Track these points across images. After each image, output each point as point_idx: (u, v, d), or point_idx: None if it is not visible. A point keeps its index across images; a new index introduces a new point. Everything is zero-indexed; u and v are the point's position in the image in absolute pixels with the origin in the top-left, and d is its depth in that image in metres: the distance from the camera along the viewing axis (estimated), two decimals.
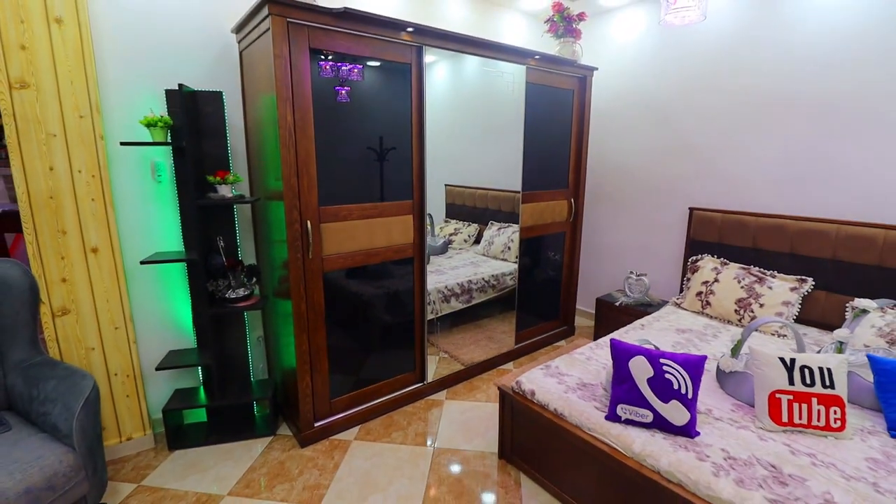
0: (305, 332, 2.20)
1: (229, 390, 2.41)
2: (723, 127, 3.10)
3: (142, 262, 2.06)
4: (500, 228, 4.05)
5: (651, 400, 1.72)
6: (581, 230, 3.62)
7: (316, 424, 2.36)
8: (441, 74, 2.36)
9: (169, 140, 2.07)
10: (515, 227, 3.84)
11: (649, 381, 1.74)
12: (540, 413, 1.94)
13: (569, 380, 2.10)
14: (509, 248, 3.89)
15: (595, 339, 3.66)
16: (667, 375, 1.74)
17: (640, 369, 1.76)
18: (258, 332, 2.66)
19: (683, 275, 3.34)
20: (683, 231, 3.38)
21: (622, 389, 1.78)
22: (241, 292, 2.25)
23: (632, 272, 3.55)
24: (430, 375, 2.85)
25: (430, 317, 2.84)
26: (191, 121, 2.12)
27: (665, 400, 1.71)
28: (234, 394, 2.39)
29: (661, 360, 1.77)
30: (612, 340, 1.89)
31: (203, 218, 2.20)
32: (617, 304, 3.48)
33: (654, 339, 2.54)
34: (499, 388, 2.18)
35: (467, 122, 4.02)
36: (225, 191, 2.14)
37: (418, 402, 2.76)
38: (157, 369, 2.20)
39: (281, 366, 2.50)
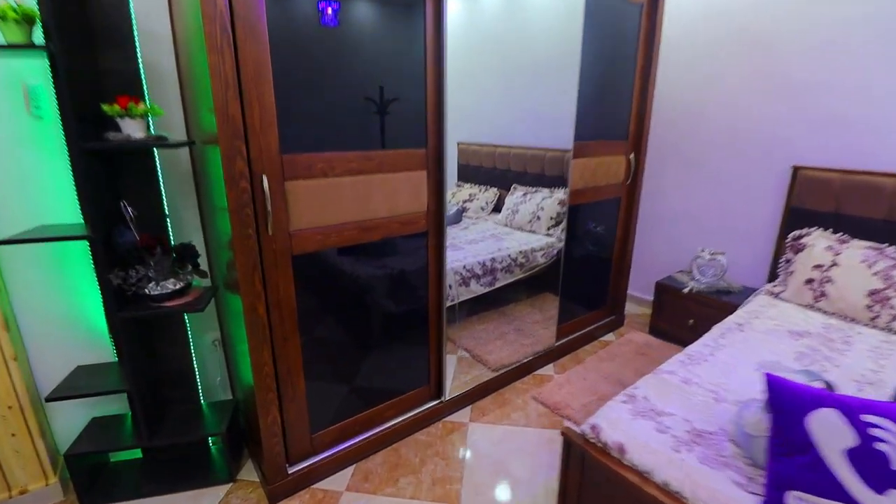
0: (267, 344, 1.46)
1: (168, 421, 1.70)
2: (848, 59, 2.23)
3: (11, 242, 1.31)
4: (526, 194, 3.27)
5: (854, 489, 0.98)
6: (640, 195, 2.82)
7: (291, 470, 1.66)
8: (453, 10, 1.58)
9: (32, 41, 1.27)
10: (546, 192, 3.07)
11: (849, 453, 1.00)
12: (638, 486, 1.21)
13: (672, 423, 1.36)
14: (538, 218, 3.12)
15: (652, 331, 2.93)
16: (878, 445, 0.99)
17: (831, 433, 1.02)
18: (213, 334, 1.93)
19: (778, 255, 2.55)
20: (780, 197, 2.57)
21: (796, 466, 1.03)
22: (171, 285, 1.50)
23: (703, 250, 2.77)
24: (449, 388, 2.13)
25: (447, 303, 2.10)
26: (70, 15, 1.31)
27: (880, 489, 0.97)
28: (174, 427, 1.68)
29: (866, 419, 1.02)
30: (767, 377, 1.14)
31: (103, 172, 1.43)
32: (685, 290, 2.71)
33: (765, 348, 1.78)
34: (563, 436, 1.44)
35: (484, 69, 3.20)
36: (132, 128, 1.35)
37: (434, 427, 2.05)
38: (46, 400, 1.48)
39: (245, 382, 1.79)
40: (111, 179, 1.49)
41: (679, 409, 1.43)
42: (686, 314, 2.74)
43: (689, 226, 3.04)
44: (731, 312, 2.22)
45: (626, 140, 2.66)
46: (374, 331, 2.08)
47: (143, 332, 1.60)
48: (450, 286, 2.79)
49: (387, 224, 1.68)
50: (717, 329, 2.02)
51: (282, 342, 1.51)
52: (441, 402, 2.09)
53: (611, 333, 2.96)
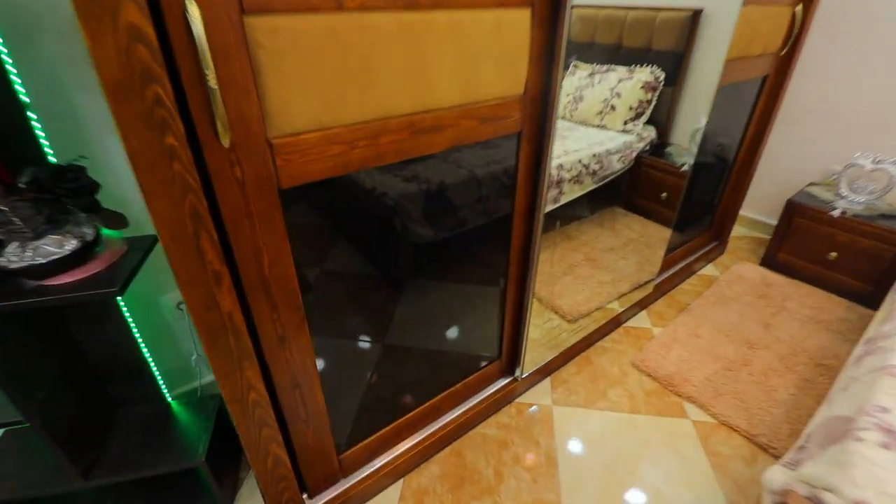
0: (249, 361, 0.78)
1: (116, 438, 1.10)
2: None
3: None
4: (592, 74, 2.37)
5: None
6: (793, 72, 1.90)
7: None
8: None
9: None
10: (624, 73, 2.20)
11: None
12: None
13: None
14: (612, 108, 2.27)
15: (766, 264, 2.19)
16: None
17: None
18: (175, 293, 1.25)
19: None
20: None
21: None
22: (53, 246, 0.77)
23: (862, 155, 1.95)
24: (524, 359, 1.51)
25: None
26: None
27: None
28: (124, 451, 1.08)
29: None
30: None
31: None
32: (834, 212, 1.95)
33: None
34: None
35: None
36: None
37: (506, 414, 1.47)
38: None
39: None
40: None
41: None
42: (825, 245, 2.02)
43: (837, 124, 2.16)
44: None
45: None
46: (419, 287, 1.40)
47: (26, 325, 0.90)
48: (486, 198, 2.07)
49: (456, 120, 0.88)
50: None
51: (277, 347, 0.83)
52: (516, 378, 1.48)
53: (710, 265, 2.27)
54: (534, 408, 1.48)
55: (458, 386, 1.35)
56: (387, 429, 1.21)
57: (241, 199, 0.66)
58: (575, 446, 1.36)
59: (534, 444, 1.36)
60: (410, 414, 1.26)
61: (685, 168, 1.91)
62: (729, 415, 1.45)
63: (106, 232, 0.86)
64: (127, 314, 1.04)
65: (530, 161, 1.09)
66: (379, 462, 1.21)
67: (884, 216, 1.91)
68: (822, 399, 1.51)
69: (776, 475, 0.99)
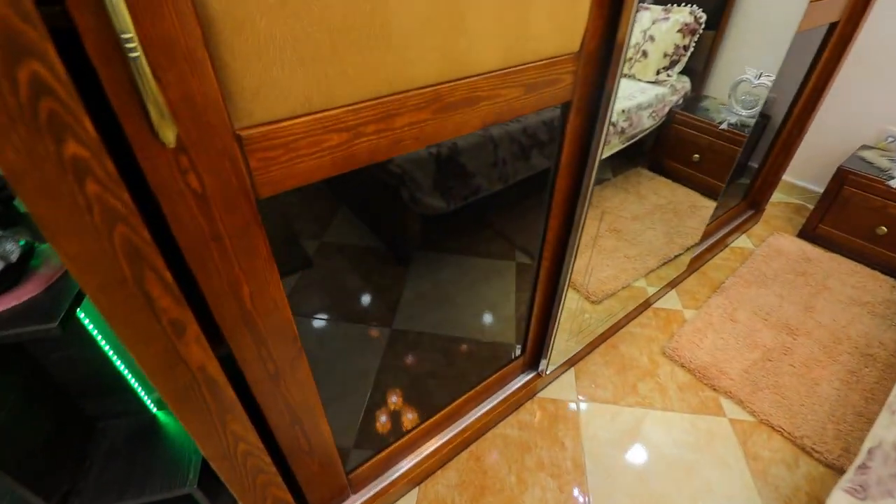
0: (233, 414, 0.61)
1: (95, 461, 0.96)
2: None
3: None
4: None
5: None
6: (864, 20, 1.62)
7: None
8: None
9: None
10: (656, 11, 1.95)
11: None
12: None
13: None
14: (644, 55, 2.03)
15: (804, 235, 1.99)
16: None
17: None
18: None
19: None
20: None
21: None
22: None
23: None
24: (552, 351, 1.35)
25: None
26: None
27: None
28: (102, 476, 0.94)
29: None
30: None
31: None
32: (890, 181, 1.75)
33: None
34: None
35: None
36: None
37: (527, 412, 1.34)
38: None
39: None
40: None
41: None
42: (875, 217, 1.82)
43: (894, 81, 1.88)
44: None
45: None
46: (429, 262, 1.23)
47: None
48: (503, 161, 1.84)
49: (495, 89, 0.66)
50: None
51: (269, 385, 0.66)
52: (540, 374, 1.34)
53: (743, 237, 2.09)
54: (552, 394, 1.35)
55: (478, 388, 1.20)
56: (401, 441, 1.08)
57: (203, 218, 0.46)
58: (603, 449, 1.24)
59: (559, 447, 1.25)
60: (426, 423, 1.12)
61: (724, 126, 1.68)
62: (770, 413, 1.33)
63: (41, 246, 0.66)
64: (90, 326, 0.86)
65: (580, 137, 0.87)
66: (392, 475, 1.09)
67: None
68: (868, 395, 1.38)
69: None
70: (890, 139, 1.88)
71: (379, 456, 1.05)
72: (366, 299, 1.69)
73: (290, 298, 0.60)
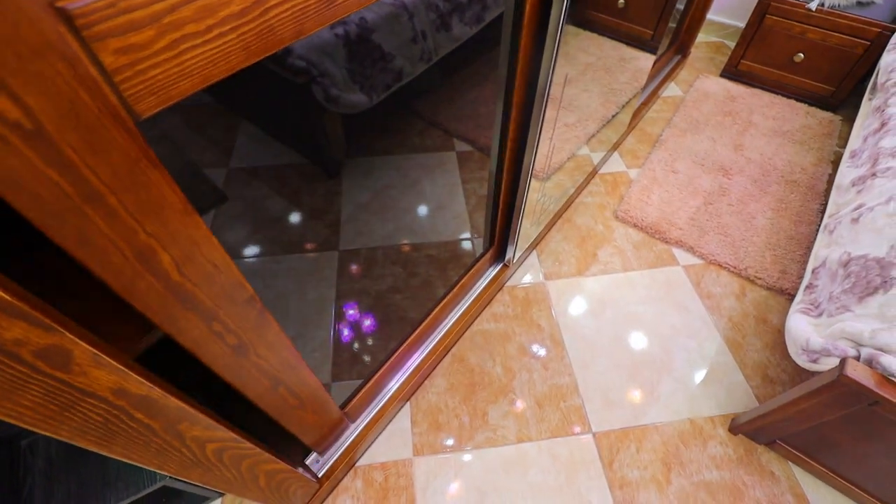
0: (180, 430, 0.49)
1: (72, 465, 0.81)
2: None
3: None
4: None
5: None
6: None
7: (321, 472, 0.95)
8: None
9: None
10: None
11: None
12: None
13: None
14: None
15: (727, 74, 1.96)
16: None
17: None
18: None
19: None
20: None
21: None
22: None
23: None
24: (518, 239, 1.30)
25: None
26: None
27: None
28: (74, 489, 0.80)
29: None
30: None
31: None
32: (809, 4, 1.74)
33: None
34: (844, 379, 0.76)
35: None
36: None
37: (498, 304, 1.32)
38: None
39: None
40: None
41: None
42: (793, 45, 1.85)
43: None
44: (872, 39, 1.46)
45: None
46: (362, 168, 1.08)
47: None
48: (423, 35, 1.62)
49: None
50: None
51: (235, 360, 0.53)
52: (507, 263, 1.30)
53: (672, 84, 2.06)
54: (520, 281, 1.35)
55: (453, 292, 1.14)
56: (386, 364, 1.02)
57: (54, 170, 0.28)
58: (577, 321, 1.28)
59: (536, 329, 1.27)
60: (408, 340, 1.06)
61: None
62: (716, 252, 1.43)
63: None
64: None
65: None
66: (383, 398, 1.05)
67: (860, 3, 1.73)
68: (795, 218, 1.51)
69: (804, 327, 0.96)
70: None
71: (368, 384, 0.99)
72: (301, 224, 1.51)
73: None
